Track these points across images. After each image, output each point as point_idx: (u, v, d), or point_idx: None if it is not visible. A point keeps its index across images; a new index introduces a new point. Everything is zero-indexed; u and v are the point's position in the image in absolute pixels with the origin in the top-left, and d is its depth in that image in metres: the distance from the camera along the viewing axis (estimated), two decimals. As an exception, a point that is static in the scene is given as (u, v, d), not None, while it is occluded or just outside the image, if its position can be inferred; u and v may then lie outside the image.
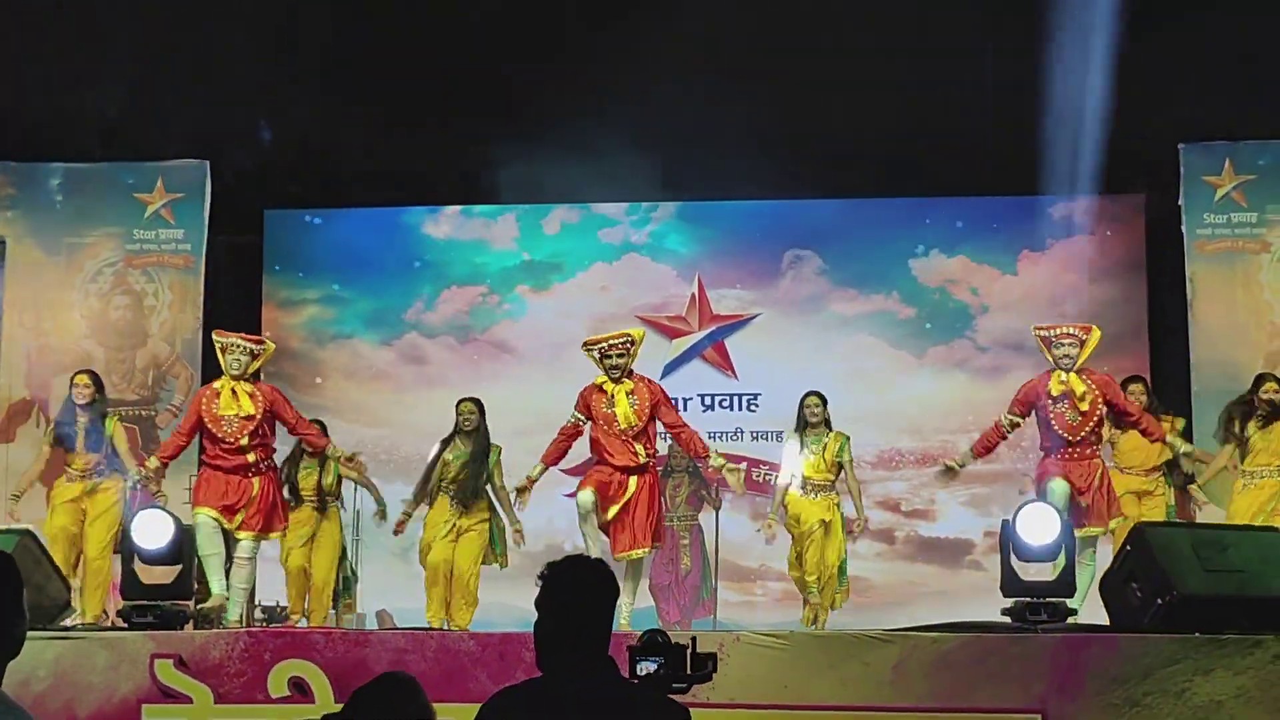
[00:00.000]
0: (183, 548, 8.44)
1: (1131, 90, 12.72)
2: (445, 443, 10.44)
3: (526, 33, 12.92)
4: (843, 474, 10.75)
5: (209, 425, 9.46)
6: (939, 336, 14.47)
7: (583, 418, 9.63)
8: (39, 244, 13.46)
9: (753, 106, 13.09)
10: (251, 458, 9.38)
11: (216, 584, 9.35)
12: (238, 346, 9.55)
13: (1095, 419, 9.44)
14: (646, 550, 9.56)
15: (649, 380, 9.89)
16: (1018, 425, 9.72)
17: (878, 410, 14.14)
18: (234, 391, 9.40)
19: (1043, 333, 9.65)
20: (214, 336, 9.90)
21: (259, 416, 9.39)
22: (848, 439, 10.81)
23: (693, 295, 14.73)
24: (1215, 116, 13.02)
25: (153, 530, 8.39)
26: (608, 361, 9.50)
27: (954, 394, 14.43)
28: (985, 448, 9.80)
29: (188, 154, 13.49)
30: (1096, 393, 9.41)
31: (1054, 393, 9.38)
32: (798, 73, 12.92)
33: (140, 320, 13.42)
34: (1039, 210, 14.57)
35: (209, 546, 9.30)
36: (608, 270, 14.79)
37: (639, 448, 9.49)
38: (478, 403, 10.56)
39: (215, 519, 9.29)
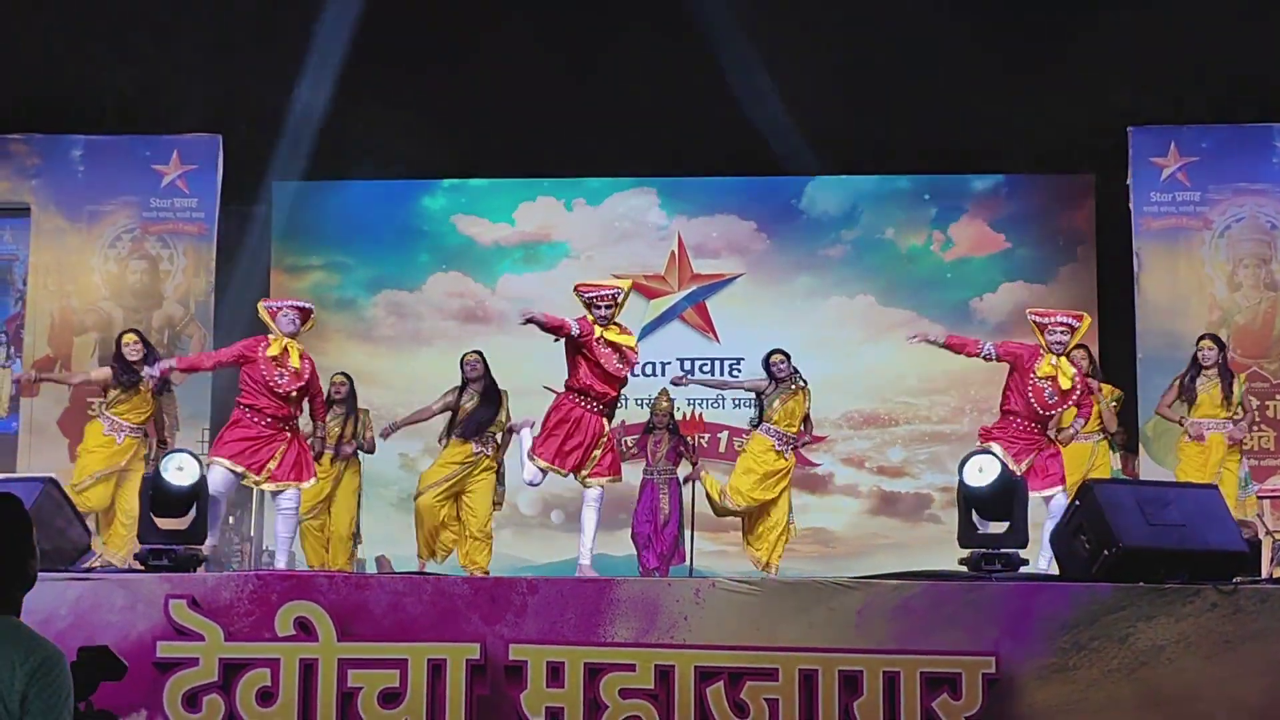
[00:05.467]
0: (201, 495, 8.37)
1: (1082, 76, 12.72)
2: (459, 391, 10.43)
3: (526, 16, 12.89)
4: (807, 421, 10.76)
5: (262, 369, 9.01)
6: (904, 305, 14.48)
7: (578, 330, 9.09)
8: (62, 211, 13.43)
9: (734, 89, 13.07)
10: (292, 410, 9.20)
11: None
12: (288, 308, 9.29)
13: (1068, 403, 9.34)
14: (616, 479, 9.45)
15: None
16: (990, 359, 9.50)
17: (845, 374, 14.16)
18: (287, 348, 9.19)
19: (1038, 318, 9.53)
20: (263, 306, 9.46)
21: (306, 376, 9.20)
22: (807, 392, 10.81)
23: (672, 253, 14.71)
24: (1161, 102, 13.03)
25: (180, 474, 8.25)
26: (595, 311, 9.26)
27: (916, 359, 14.44)
28: (958, 345, 9.54)
29: (201, 128, 13.45)
30: (1079, 381, 9.33)
31: (1040, 372, 9.28)
32: (775, 60, 12.90)
33: (156, 283, 13.40)
34: (1008, 187, 14.60)
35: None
36: (593, 240, 14.79)
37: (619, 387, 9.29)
38: (480, 354, 10.57)
39: (237, 473, 9.12)
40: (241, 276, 14.00)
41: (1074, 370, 9.31)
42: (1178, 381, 10.63)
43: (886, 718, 6.96)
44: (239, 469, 9.00)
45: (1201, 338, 10.71)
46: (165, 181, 13.44)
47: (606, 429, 9.26)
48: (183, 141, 13.46)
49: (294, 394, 9.11)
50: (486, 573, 10.12)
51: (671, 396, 11.92)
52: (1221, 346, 10.68)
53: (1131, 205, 13.01)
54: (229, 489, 9.24)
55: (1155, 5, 12.10)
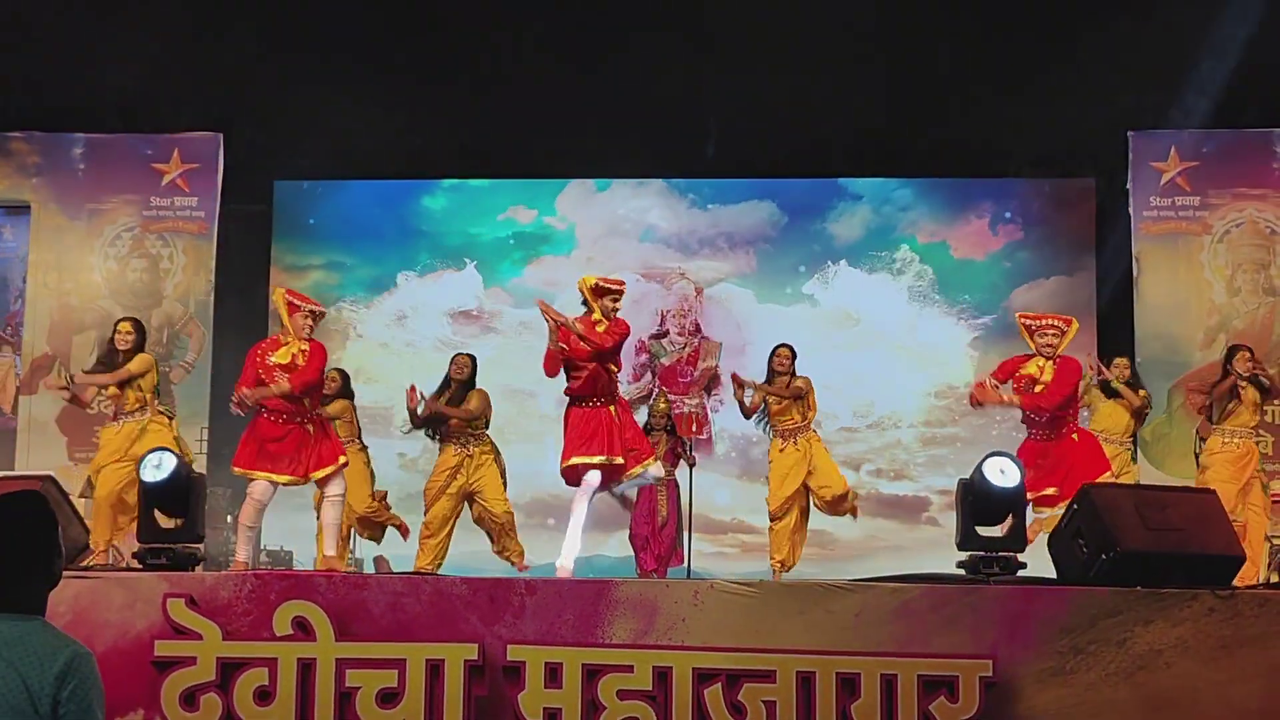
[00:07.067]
0: (190, 493, 8.30)
1: (1083, 81, 12.73)
2: (440, 389, 10.41)
3: (526, 16, 12.89)
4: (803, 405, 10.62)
5: (263, 376, 8.95)
6: (903, 308, 14.49)
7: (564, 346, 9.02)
8: (62, 209, 13.45)
9: (737, 90, 13.08)
10: (300, 405, 9.10)
11: (244, 553, 9.18)
12: (310, 313, 9.16)
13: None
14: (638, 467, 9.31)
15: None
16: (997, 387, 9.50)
17: (845, 377, 14.14)
18: (295, 353, 9.09)
19: (1028, 321, 9.53)
20: (285, 295, 9.27)
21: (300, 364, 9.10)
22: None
23: (675, 252, 14.73)
24: (1161, 107, 13.04)
25: (159, 471, 8.21)
26: (609, 300, 9.14)
27: (914, 362, 14.47)
28: (976, 402, 9.54)
29: (202, 128, 13.45)
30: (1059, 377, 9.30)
31: (1027, 372, 9.29)
32: (781, 61, 12.92)
33: (156, 282, 13.42)
34: (1008, 191, 14.61)
35: (249, 519, 9.14)
36: (595, 238, 14.78)
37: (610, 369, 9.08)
38: (472, 357, 10.54)
39: (270, 482, 8.96)
40: (241, 276, 14.01)
41: (1054, 372, 9.26)
42: (1214, 393, 10.29)
43: (884, 720, 6.97)
44: (283, 478, 8.96)
45: (1238, 350, 10.32)
46: (165, 180, 13.47)
47: (614, 414, 9.08)
48: (183, 140, 13.48)
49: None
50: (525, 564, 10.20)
51: (670, 398, 11.92)
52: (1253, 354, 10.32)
53: (1131, 209, 13.03)
54: (267, 498, 9.09)
55: (1155, 12, 12.10)
